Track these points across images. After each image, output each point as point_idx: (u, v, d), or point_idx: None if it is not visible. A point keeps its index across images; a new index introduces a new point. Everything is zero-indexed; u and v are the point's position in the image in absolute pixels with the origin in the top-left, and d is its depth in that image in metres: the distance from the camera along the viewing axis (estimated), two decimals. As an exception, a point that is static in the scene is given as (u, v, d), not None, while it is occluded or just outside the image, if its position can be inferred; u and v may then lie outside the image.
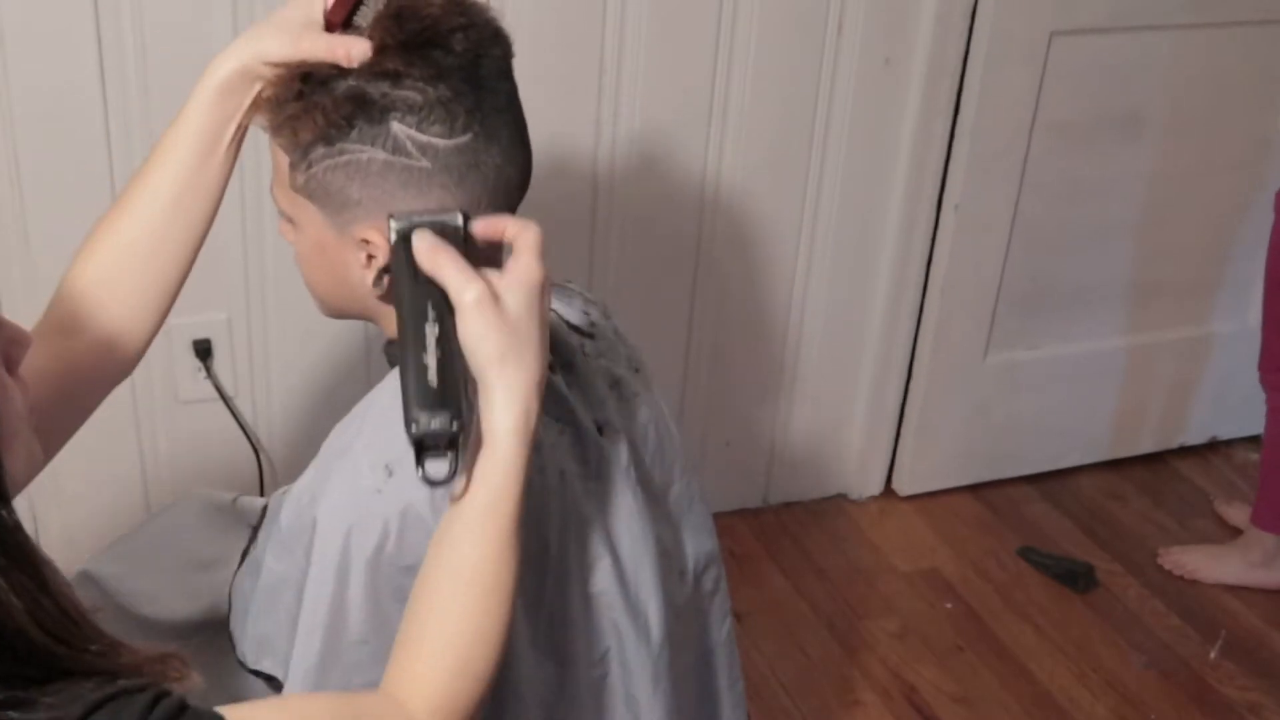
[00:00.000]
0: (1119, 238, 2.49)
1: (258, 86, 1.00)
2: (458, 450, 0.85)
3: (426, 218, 0.92)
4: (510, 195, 1.01)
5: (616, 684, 1.11)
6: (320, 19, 0.98)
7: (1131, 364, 2.63)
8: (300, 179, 0.99)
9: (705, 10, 2.04)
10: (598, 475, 1.08)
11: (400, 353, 0.88)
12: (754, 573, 2.35)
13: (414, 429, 0.84)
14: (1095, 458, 2.70)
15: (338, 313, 1.10)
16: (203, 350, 1.97)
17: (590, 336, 1.14)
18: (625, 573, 1.09)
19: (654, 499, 1.15)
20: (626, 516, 1.09)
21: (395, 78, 0.93)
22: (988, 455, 2.61)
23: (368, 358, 2.05)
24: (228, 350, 2.00)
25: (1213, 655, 2.24)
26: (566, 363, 1.09)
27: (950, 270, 2.37)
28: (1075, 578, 2.37)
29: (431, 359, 0.86)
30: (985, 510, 2.58)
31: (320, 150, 0.96)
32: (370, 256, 0.99)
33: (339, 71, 0.94)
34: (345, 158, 0.96)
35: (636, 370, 1.17)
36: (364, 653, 0.98)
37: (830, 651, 2.20)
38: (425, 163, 0.95)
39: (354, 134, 0.94)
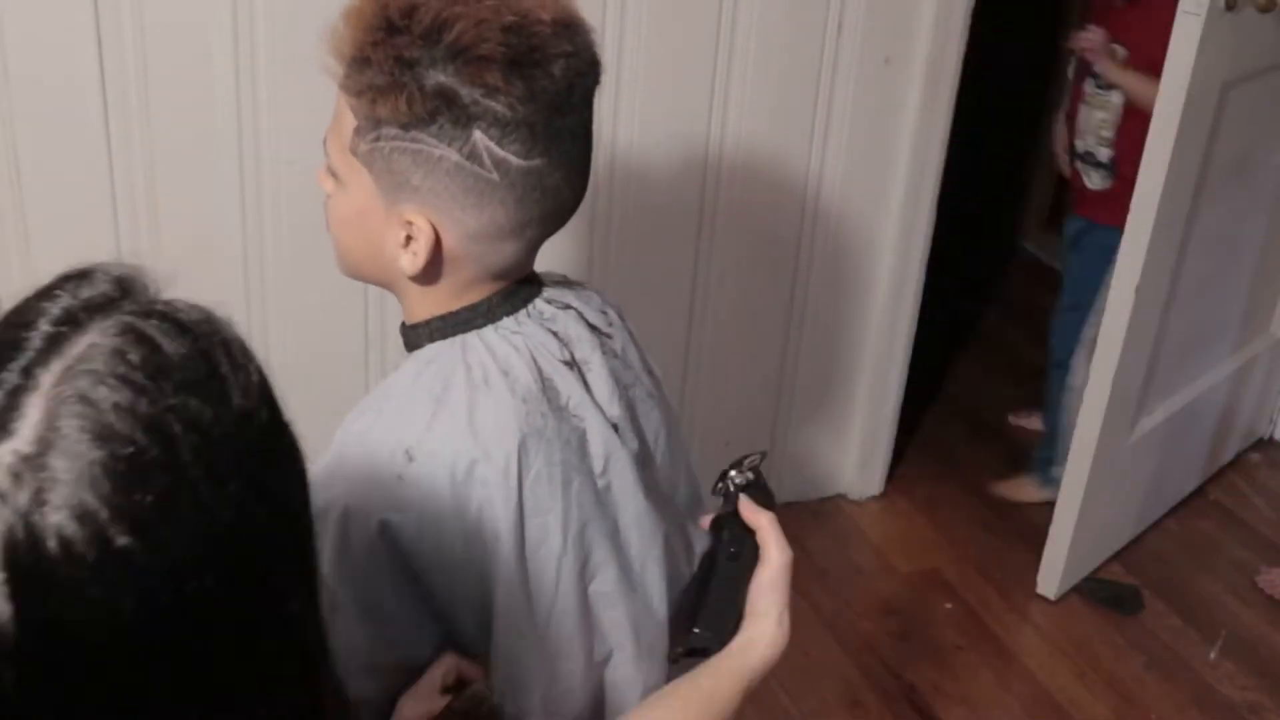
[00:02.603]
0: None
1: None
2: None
3: (759, 487, 1.10)
4: (563, 216, 1.03)
5: (619, 683, 1.11)
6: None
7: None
8: (364, 147, 0.97)
9: (705, 10, 2.04)
10: (609, 472, 1.08)
11: (708, 563, 1.07)
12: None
13: (692, 637, 1.04)
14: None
15: (356, 274, 1.09)
16: (203, 350, 1.97)
17: (608, 336, 1.14)
18: (633, 574, 1.10)
19: (663, 501, 1.15)
20: (635, 517, 1.09)
21: (490, 89, 0.93)
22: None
23: (367, 356, 2.05)
24: (228, 350, 1.99)
25: (1213, 655, 2.24)
26: (585, 359, 1.09)
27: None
28: (1122, 601, 2.35)
29: (731, 589, 1.06)
30: (986, 511, 2.58)
31: (393, 130, 0.95)
32: (409, 238, 0.99)
33: (426, 46, 0.93)
34: (418, 146, 0.95)
35: (650, 373, 1.18)
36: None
37: (830, 651, 2.20)
38: (495, 176, 0.96)
39: (434, 128, 0.94)
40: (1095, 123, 2.35)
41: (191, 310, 0.61)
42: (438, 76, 0.93)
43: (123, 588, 0.54)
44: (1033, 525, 2.45)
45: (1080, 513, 2.27)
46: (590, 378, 1.08)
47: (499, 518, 0.98)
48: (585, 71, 0.98)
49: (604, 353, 1.11)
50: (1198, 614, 2.33)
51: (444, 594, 1.01)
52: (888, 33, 2.16)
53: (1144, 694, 2.15)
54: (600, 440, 1.07)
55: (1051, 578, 2.33)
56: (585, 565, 1.06)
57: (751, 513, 1.07)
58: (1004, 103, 2.55)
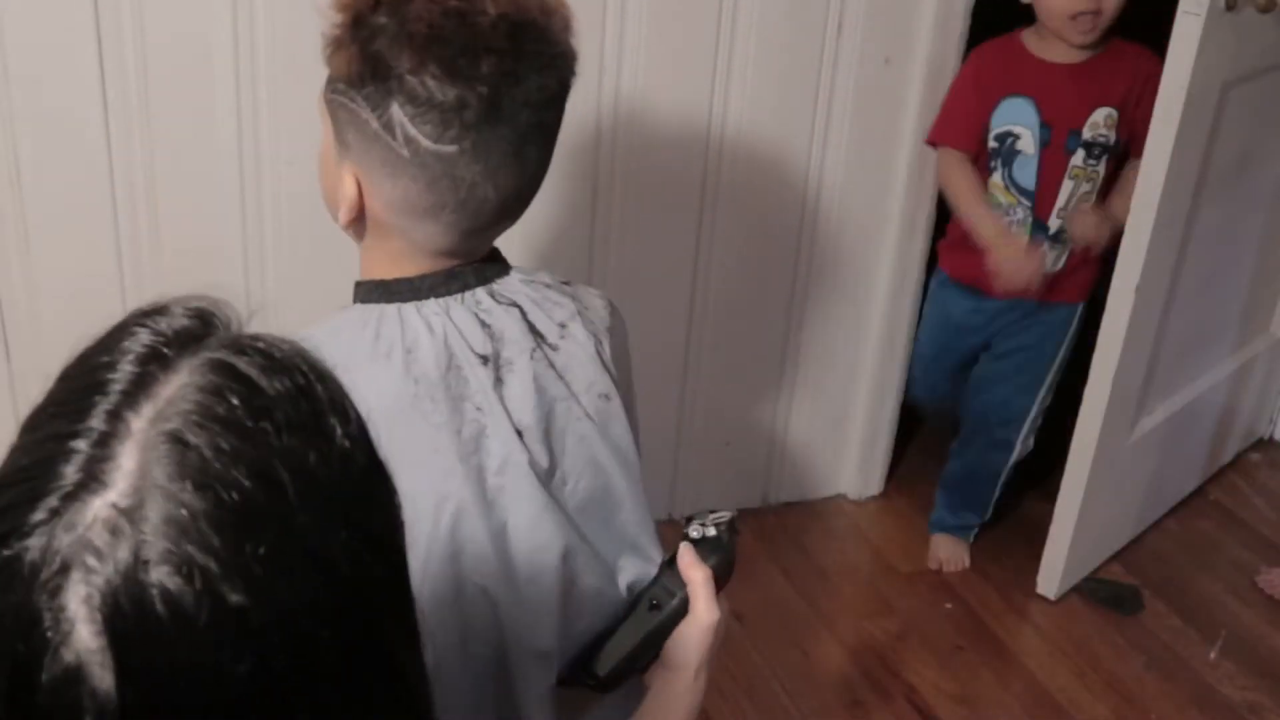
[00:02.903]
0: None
1: None
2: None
3: (722, 548, 1.06)
4: (482, 214, 1.02)
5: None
6: None
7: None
8: (327, 95, 1.02)
9: (705, 10, 2.04)
10: (504, 474, 1.04)
11: (630, 607, 1.06)
12: (754, 573, 2.35)
13: (589, 680, 1.04)
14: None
15: (333, 217, 1.12)
16: (203, 350, 1.97)
17: (551, 346, 1.10)
18: (517, 579, 1.05)
19: (566, 518, 1.10)
20: (528, 524, 1.05)
21: (418, 66, 0.95)
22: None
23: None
24: (228, 350, 1.99)
25: (1213, 655, 2.24)
26: (510, 359, 1.06)
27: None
28: (1122, 601, 2.35)
29: (637, 636, 1.04)
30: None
31: (340, 85, 1.00)
32: (350, 192, 1.03)
33: (386, 10, 0.96)
34: (353, 106, 0.99)
35: (605, 397, 1.11)
36: None
37: (830, 651, 2.20)
38: (405, 153, 0.98)
39: (365, 91, 0.97)
40: (1079, 196, 2.16)
41: (283, 344, 0.57)
42: (377, 44, 0.96)
43: (236, 648, 0.49)
44: (1033, 525, 2.45)
45: (1080, 513, 2.27)
46: (507, 378, 1.05)
47: None
48: (532, 69, 0.98)
49: (533, 359, 1.07)
50: (1198, 614, 2.33)
51: None
52: (888, 33, 2.16)
53: (1144, 694, 2.15)
54: (499, 441, 1.04)
55: (1051, 578, 2.33)
56: (459, 554, 1.03)
57: (687, 566, 1.04)
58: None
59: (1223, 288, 2.46)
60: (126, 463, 0.50)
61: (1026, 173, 2.15)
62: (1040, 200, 2.16)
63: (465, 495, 1.02)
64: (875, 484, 2.59)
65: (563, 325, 1.10)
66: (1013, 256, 2.14)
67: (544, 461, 1.06)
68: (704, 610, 1.03)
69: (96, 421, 0.51)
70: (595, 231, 2.13)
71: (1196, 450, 2.63)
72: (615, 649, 1.05)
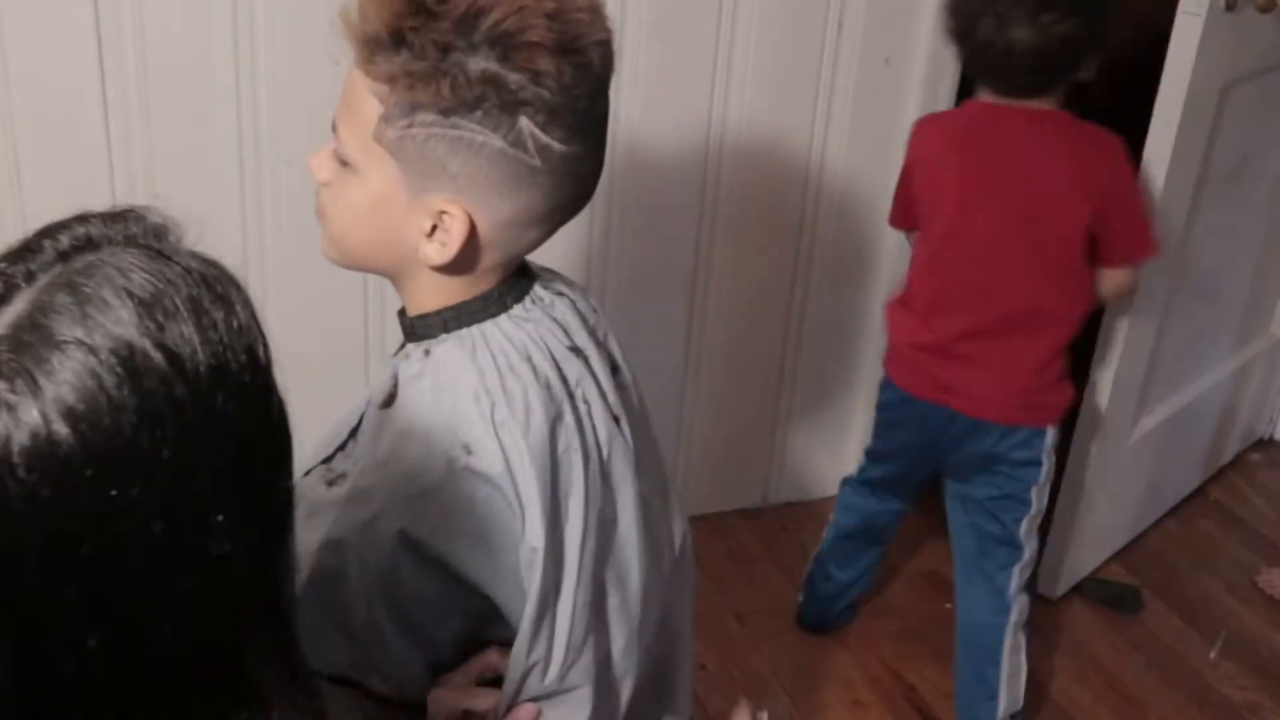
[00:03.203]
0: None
1: None
2: None
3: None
4: (580, 207, 1.04)
5: (602, 647, 1.10)
6: None
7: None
8: (392, 134, 0.94)
9: (705, 10, 2.04)
10: (610, 460, 1.07)
11: None
12: (754, 573, 2.35)
13: None
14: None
15: (355, 263, 1.06)
16: (203, 350, 1.97)
17: (594, 327, 1.13)
18: (623, 559, 1.09)
19: (647, 483, 1.14)
20: (629, 501, 1.09)
21: (538, 74, 0.92)
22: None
23: (367, 355, 2.05)
24: (228, 350, 2.00)
25: (1213, 655, 2.24)
26: (584, 346, 1.08)
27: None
28: (1122, 601, 2.35)
29: None
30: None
31: (430, 116, 0.93)
32: (435, 227, 0.96)
33: (466, 31, 0.91)
34: (458, 133, 0.93)
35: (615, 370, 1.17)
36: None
37: (830, 651, 2.20)
38: (538, 162, 0.95)
39: (478, 114, 0.92)
40: None
41: (205, 257, 0.62)
42: (481, 62, 0.91)
43: (49, 477, 0.54)
44: (1033, 525, 2.45)
45: (1080, 513, 2.27)
46: (592, 364, 1.08)
47: (533, 499, 0.98)
48: (612, 57, 0.98)
49: (596, 341, 1.10)
50: (1198, 614, 2.33)
51: (486, 580, 1.00)
52: (888, 33, 2.16)
53: (1144, 694, 2.15)
54: (604, 427, 1.06)
55: (1051, 578, 2.33)
56: (602, 550, 1.05)
57: None
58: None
59: (1223, 288, 2.46)
60: (19, 305, 0.57)
61: None
62: None
63: (595, 489, 1.04)
64: (875, 484, 2.59)
65: (588, 301, 1.13)
66: None
67: (629, 436, 1.09)
68: None
69: (16, 272, 0.59)
70: (597, 230, 2.13)
71: (1196, 450, 2.63)
72: None
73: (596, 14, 0.96)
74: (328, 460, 1.10)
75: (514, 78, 0.92)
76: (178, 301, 0.58)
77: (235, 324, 0.60)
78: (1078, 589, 2.37)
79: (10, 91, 1.75)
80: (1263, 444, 2.85)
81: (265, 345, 0.63)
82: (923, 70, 2.20)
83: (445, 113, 0.92)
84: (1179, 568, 2.46)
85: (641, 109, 2.06)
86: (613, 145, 2.05)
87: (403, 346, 1.06)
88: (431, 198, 0.95)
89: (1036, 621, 2.29)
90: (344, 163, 0.99)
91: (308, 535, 1.04)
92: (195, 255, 0.62)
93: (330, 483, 1.07)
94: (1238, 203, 2.33)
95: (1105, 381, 2.16)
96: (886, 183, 2.28)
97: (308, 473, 1.12)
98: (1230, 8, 1.94)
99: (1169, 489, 2.58)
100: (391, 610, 1.00)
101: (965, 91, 2.25)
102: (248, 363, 0.61)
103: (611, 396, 1.08)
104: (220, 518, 0.59)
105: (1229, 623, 2.31)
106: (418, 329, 1.04)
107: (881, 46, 2.17)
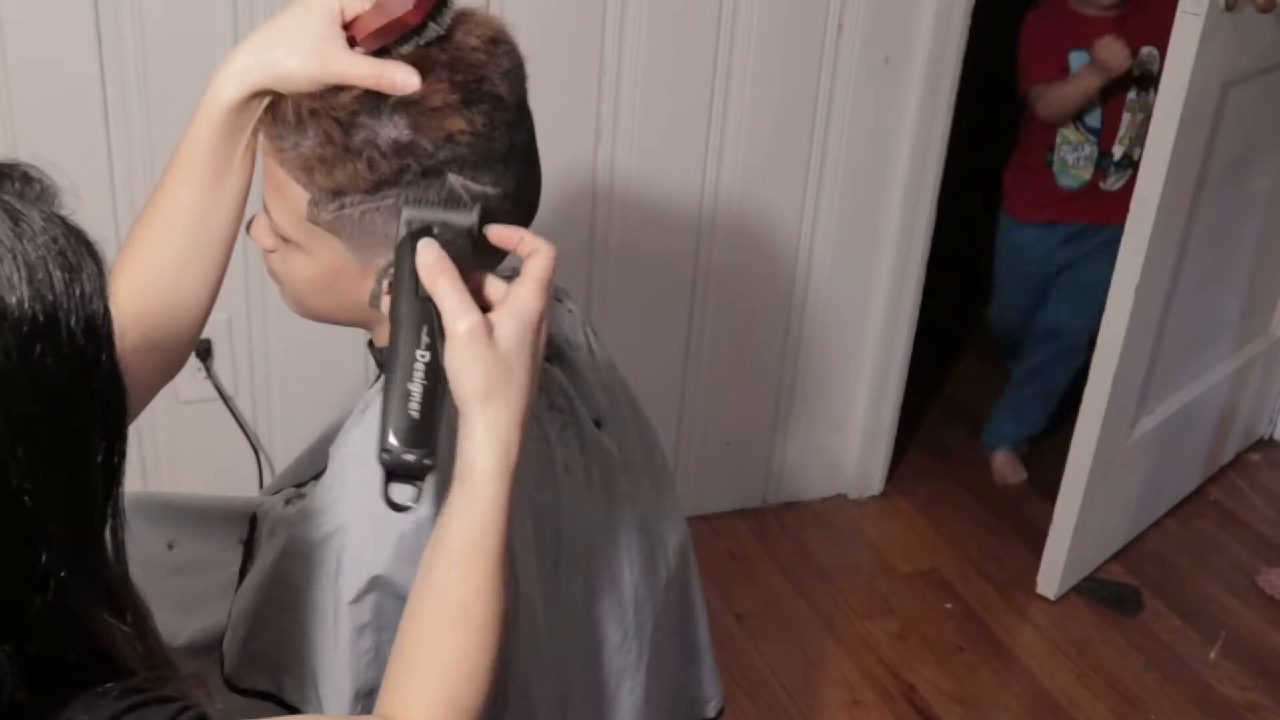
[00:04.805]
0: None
1: (268, 100, 0.93)
2: (425, 481, 0.85)
3: (439, 214, 0.88)
4: (531, 217, 1.01)
5: (610, 659, 1.11)
6: (339, 33, 0.89)
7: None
8: (326, 216, 0.93)
9: (705, 10, 2.04)
10: (596, 466, 1.08)
11: (388, 371, 0.85)
12: (754, 573, 2.35)
13: (386, 457, 0.82)
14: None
15: (320, 318, 1.06)
16: (203, 350, 1.97)
17: (590, 330, 1.14)
18: (619, 568, 1.09)
19: (639, 487, 1.14)
20: (622, 508, 1.09)
21: (451, 135, 0.89)
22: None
23: (367, 357, 2.05)
24: (228, 350, 2.00)
25: (1213, 655, 2.24)
26: (558, 352, 1.08)
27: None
28: (1122, 601, 2.35)
29: (417, 387, 0.83)
30: (986, 511, 2.58)
31: (358, 196, 0.91)
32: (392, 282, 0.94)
33: (369, 106, 0.88)
34: (389, 202, 0.90)
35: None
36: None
37: (830, 651, 2.20)
38: (477, 209, 0.92)
39: (405, 182, 0.90)
40: (1138, 124, 2.40)
41: (71, 224, 0.67)
42: (393, 132, 0.89)
43: None
44: (1033, 525, 2.45)
45: (1080, 513, 2.27)
46: (568, 370, 1.08)
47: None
48: (520, 73, 0.95)
49: (589, 349, 1.10)
50: (1198, 614, 2.33)
51: None
52: (888, 33, 2.16)
53: (1144, 694, 2.15)
54: (585, 435, 1.06)
55: (1051, 578, 2.33)
56: (584, 560, 1.06)
57: (428, 276, 0.85)
58: (1005, 103, 2.55)
59: (1222, 288, 2.46)
60: None
61: (1093, 114, 2.44)
62: (1105, 135, 2.44)
63: (591, 504, 1.06)
64: (875, 484, 2.59)
65: (571, 310, 1.14)
66: (1111, 48, 2.33)
67: (615, 439, 1.11)
68: (454, 315, 0.84)
69: None
70: (595, 228, 2.13)
71: (1196, 450, 2.63)
72: (432, 412, 0.85)
73: (494, 41, 0.93)
74: (300, 485, 1.10)
75: (428, 144, 0.89)
76: (17, 254, 0.61)
77: (78, 290, 0.63)
78: (1077, 589, 2.37)
79: (10, 90, 1.75)
80: (1262, 444, 2.85)
81: (108, 318, 0.65)
82: (923, 70, 2.20)
83: (372, 190, 0.90)
84: (1179, 568, 2.46)
85: (641, 109, 2.06)
86: (612, 143, 2.06)
87: (379, 378, 1.05)
88: (382, 260, 0.93)
89: (1036, 621, 2.30)
90: (289, 242, 0.97)
91: (266, 554, 1.04)
92: (60, 220, 0.66)
93: (288, 501, 1.08)
94: (1238, 202, 2.33)
95: (1105, 381, 2.16)
96: (886, 181, 2.29)
97: (279, 492, 1.12)
98: (1230, 7, 1.94)
99: (1169, 489, 2.58)
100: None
101: (965, 91, 2.26)
102: (82, 328, 0.63)
103: (592, 403, 1.07)
104: (20, 452, 0.61)
105: (1229, 623, 2.31)
106: (378, 359, 1.05)
107: (881, 46, 2.17)
